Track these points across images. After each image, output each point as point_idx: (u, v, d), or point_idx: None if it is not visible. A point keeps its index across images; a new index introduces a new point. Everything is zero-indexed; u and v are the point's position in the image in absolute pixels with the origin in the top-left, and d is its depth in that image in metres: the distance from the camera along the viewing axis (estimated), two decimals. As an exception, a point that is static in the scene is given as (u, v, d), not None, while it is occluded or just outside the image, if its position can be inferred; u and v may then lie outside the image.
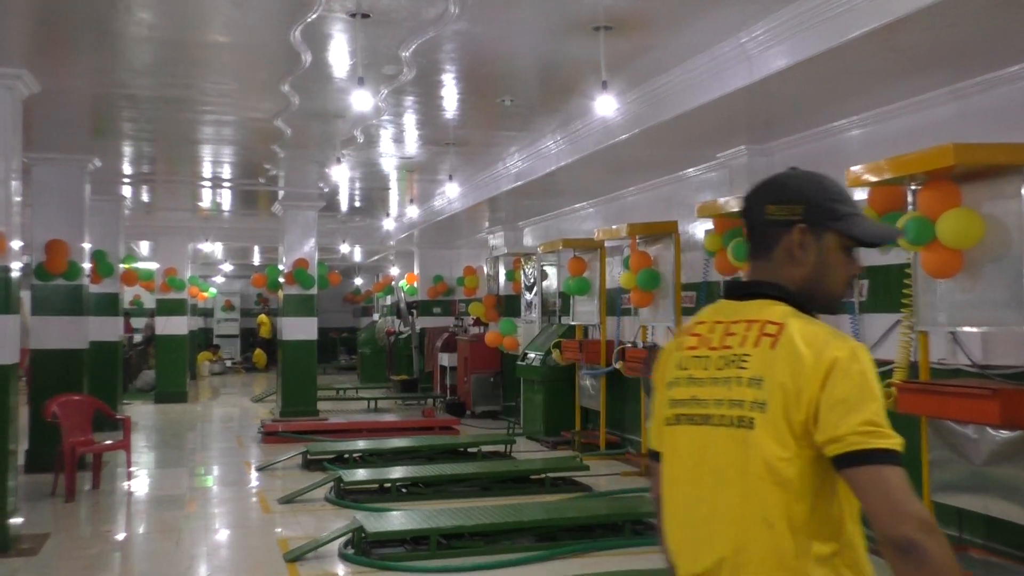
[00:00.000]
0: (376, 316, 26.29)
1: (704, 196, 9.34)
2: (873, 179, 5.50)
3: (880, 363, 6.43)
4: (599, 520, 6.82)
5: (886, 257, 6.53)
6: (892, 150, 6.16)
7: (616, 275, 10.97)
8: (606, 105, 6.11)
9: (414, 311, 18.75)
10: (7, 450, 6.67)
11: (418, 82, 7.29)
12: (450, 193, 11.14)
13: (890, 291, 6.54)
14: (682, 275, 9.24)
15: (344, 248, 19.82)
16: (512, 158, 10.83)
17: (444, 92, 7.78)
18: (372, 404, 16.37)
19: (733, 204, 7.34)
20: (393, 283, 22.86)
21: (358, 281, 28.93)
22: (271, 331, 25.90)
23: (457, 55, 6.61)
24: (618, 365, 9.96)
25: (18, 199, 6.95)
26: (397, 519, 6.54)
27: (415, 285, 19.42)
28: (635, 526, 6.93)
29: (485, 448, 10.55)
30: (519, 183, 10.83)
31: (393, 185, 13.25)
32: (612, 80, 6.94)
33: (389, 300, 24.52)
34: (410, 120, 8.88)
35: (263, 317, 26.64)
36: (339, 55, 6.58)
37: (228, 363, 26.47)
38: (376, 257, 24.40)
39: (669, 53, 6.57)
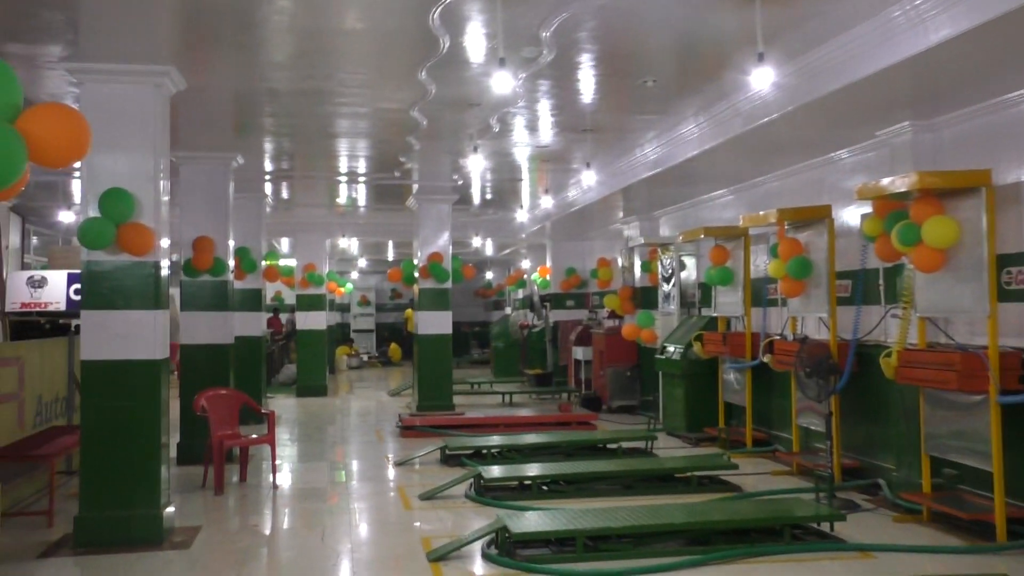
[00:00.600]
0: (508, 310, 26.25)
1: (856, 179, 8.78)
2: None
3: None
4: (755, 523, 6.38)
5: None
6: None
7: (761, 264, 10.50)
8: (763, 78, 5.69)
9: (547, 304, 18.54)
10: (159, 443, 6.78)
11: (556, 65, 7.04)
12: (586, 181, 10.84)
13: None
14: (835, 263, 8.66)
15: (476, 241, 19.80)
16: (649, 145, 10.49)
17: (582, 75, 7.50)
18: (506, 398, 16.26)
19: (898, 184, 6.75)
20: (525, 276, 22.73)
21: (489, 275, 28.99)
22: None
23: (598, 33, 6.32)
24: (766, 359, 9.46)
25: (166, 197, 7.09)
26: (541, 519, 6.29)
27: (548, 278, 19.24)
28: (794, 530, 6.47)
29: (625, 444, 10.23)
30: (656, 171, 10.48)
31: (525, 176, 13.05)
32: (766, 52, 6.51)
33: (521, 294, 24.46)
34: (545, 106, 8.67)
35: (410, 311, 26.93)
36: (477, 38, 6.38)
37: (364, 357, 26.96)
38: (507, 251, 24.34)
39: (828, 21, 6.09)
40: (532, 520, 6.26)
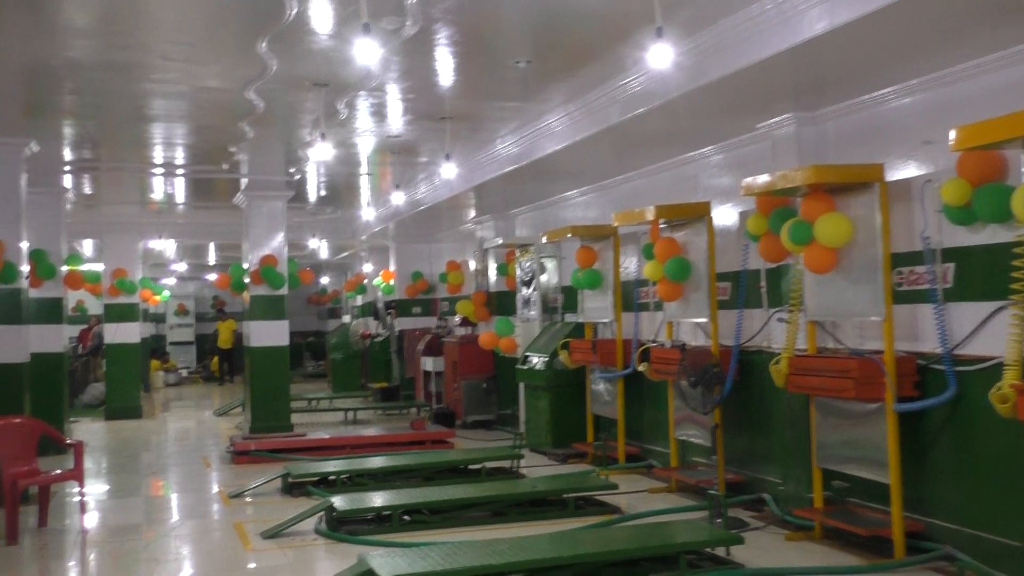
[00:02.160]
0: (347, 318, 25.51)
1: (731, 176, 8.80)
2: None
3: (977, 359, 5.97)
4: (650, 552, 6.07)
5: (977, 236, 5.89)
6: (958, 117, 5.62)
7: (630, 267, 10.38)
8: (661, 55, 5.36)
9: (392, 311, 18.00)
10: None
11: (417, 40, 6.54)
12: (445, 175, 10.39)
13: (988, 274, 5.88)
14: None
15: (313, 243, 19.03)
16: (508, 138, 10.22)
17: (445, 53, 7.06)
18: (350, 415, 15.67)
19: (789, 179, 6.63)
20: (366, 281, 22.08)
21: (324, 280, 28.10)
22: (231, 339, 24.69)
23: (467, 1, 5.86)
24: (642, 367, 9.29)
25: None
26: (421, 560, 5.73)
27: (392, 283, 18.72)
28: (687, 555, 6.21)
29: (489, 464, 9.85)
30: (516, 166, 10.21)
31: (373, 170, 12.50)
32: (643, 36, 6.28)
33: (360, 300, 23.82)
34: (397, 90, 8.18)
35: (223, 324, 25.38)
36: (329, 3, 5.81)
37: (184, 372, 25.54)
38: (345, 254, 23.66)
39: (711, 4, 5.91)
40: (402, 562, 5.70)
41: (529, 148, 9.84)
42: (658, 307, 9.65)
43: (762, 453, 8.23)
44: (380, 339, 19.26)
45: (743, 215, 8.21)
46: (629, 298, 10.37)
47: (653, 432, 10.09)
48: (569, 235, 10.72)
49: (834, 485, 7.10)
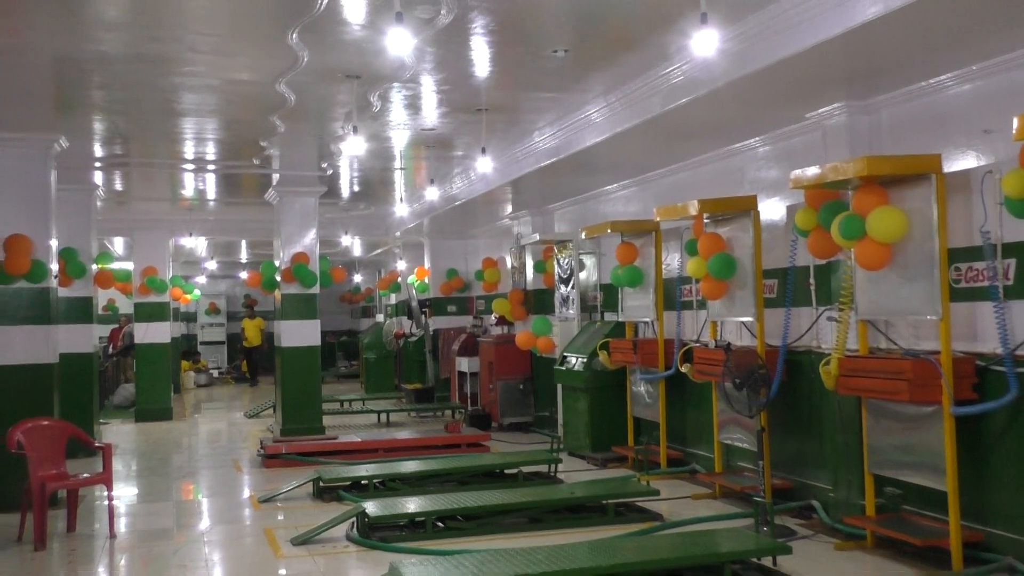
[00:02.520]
0: (380, 317, 25.60)
1: (779, 168, 8.70)
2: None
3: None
4: (696, 562, 5.99)
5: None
6: (1022, 105, 5.48)
7: (673, 264, 10.34)
8: (706, 43, 5.28)
9: (426, 310, 18.01)
10: None
11: (453, 29, 6.51)
12: (481, 169, 10.35)
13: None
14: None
15: (346, 240, 19.09)
16: (546, 130, 10.17)
17: (481, 42, 7.01)
18: (383, 418, 15.73)
19: (841, 171, 6.51)
20: (400, 279, 22.13)
21: (357, 278, 28.21)
22: (259, 337, 24.63)
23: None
24: (684, 368, 9.21)
25: None
26: (455, 568, 5.70)
27: (426, 280, 18.74)
28: (734, 565, 6.12)
29: (525, 469, 9.81)
30: (553, 159, 10.19)
31: (402, 165, 12.50)
32: (686, 23, 6.20)
33: (394, 299, 23.89)
34: (431, 81, 8.15)
35: (249, 321, 25.49)
36: (360, -7, 5.81)
37: (215, 373, 25.75)
38: (378, 251, 23.75)
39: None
40: (436, 570, 5.67)
41: (567, 141, 9.79)
42: (701, 306, 9.57)
43: (811, 458, 8.12)
44: (414, 339, 19.28)
45: (791, 209, 8.13)
46: (671, 296, 10.29)
47: (696, 436, 10.01)
48: (609, 231, 10.65)
49: (887, 492, 6.98)
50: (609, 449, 10.99)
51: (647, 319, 10.58)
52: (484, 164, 9.84)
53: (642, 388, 10.65)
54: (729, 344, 8.65)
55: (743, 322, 8.82)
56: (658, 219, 9.37)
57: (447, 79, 8.04)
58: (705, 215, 8.79)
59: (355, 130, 8.01)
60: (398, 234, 18.69)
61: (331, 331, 29.10)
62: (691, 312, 10.02)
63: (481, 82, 8.19)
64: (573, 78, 8.10)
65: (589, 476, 9.93)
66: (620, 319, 11.16)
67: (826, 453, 7.82)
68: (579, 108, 9.16)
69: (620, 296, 11.08)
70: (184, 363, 24.08)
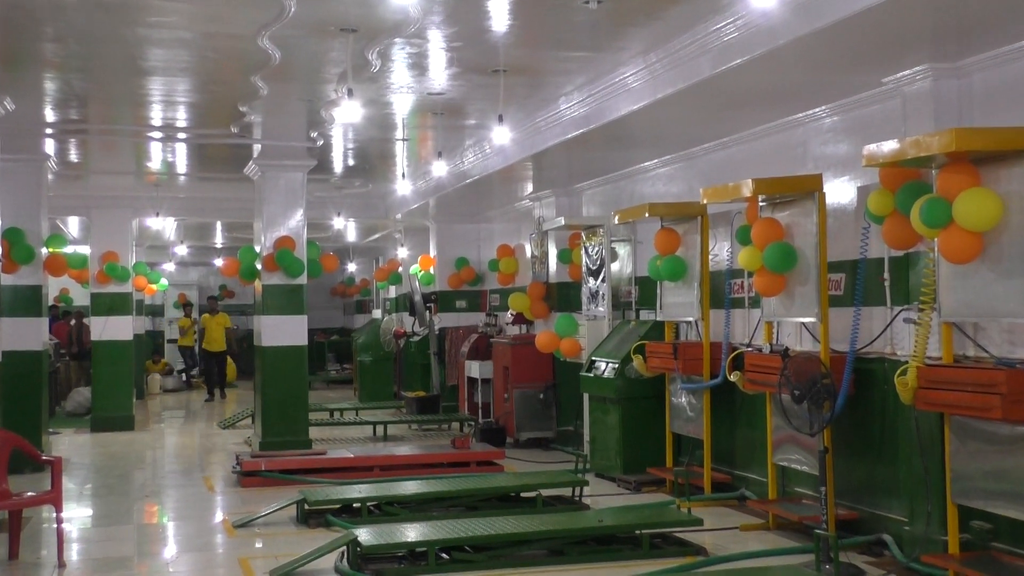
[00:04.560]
0: (377, 313, 25.66)
1: (848, 143, 8.65)
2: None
3: None
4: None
5: None
6: None
7: (721, 254, 10.35)
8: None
9: (431, 306, 18.03)
10: None
11: (466, -25, 6.51)
12: (498, 140, 10.33)
13: None
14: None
15: (338, 223, 19.13)
16: (574, 96, 10.19)
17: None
18: (379, 430, 15.79)
19: (925, 145, 6.44)
20: (402, 269, 22.19)
21: (351, 267, 28.27)
22: (223, 339, 23.20)
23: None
24: (734, 377, 9.18)
25: None
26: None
27: (431, 271, 18.79)
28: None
29: (546, 492, 9.83)
30: (582, 130, 10.21)
31: (410, 135, 12.52)
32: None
33: (394, 292, 23.97)
34: (440, 37, 8.16)
35: (208, 318, 23.66)
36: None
37: (184, 377, 25.83)
38: (375, 236, 23.86)
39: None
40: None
41: (599, 109, 9.78)
42: (755, 303, 9.53)
43: (883, 485, 8.07)
44: (417, 339, 19.30)
45: (863, 191, 8.09)
46: (719, 292, 10.28)
47: (747, 456, 9.99)
48: (647, 215, 10.62)
49: (974, 526, 6.94)
50: (644, 470, 10.98)
51: (690, 319, 10.55)
52: (501, 135, 9.81)
53: (684, 400, 10.63)
54: (787, 349, 8.60)
55: (804, 323, 8.77)
56: (705, 201, 9.32)
57: (459, 34, 8.04)
58: (760, 197, 8.74)
59: (350, 93, 8.01)
60: (399, 216, 18.73)
61: (320, 329, 29.21)
62: (742, 311, 9.98)
63: (498, 38, 8.20)
64: (607, 34, 8.08)
65: (620, 502, 9.93)
66: (658, 318, 11.13)
67: (901, 479, 7.77)
68: (613, 70, 9.16)
69: (659, 291, 11.04)
70: (149, 363, 24.15)
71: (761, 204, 8.89)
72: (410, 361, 19.71)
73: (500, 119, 9.40)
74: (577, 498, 9.90)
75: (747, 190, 8.49)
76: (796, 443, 8.59)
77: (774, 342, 9.09)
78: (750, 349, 9.42)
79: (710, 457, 10.15)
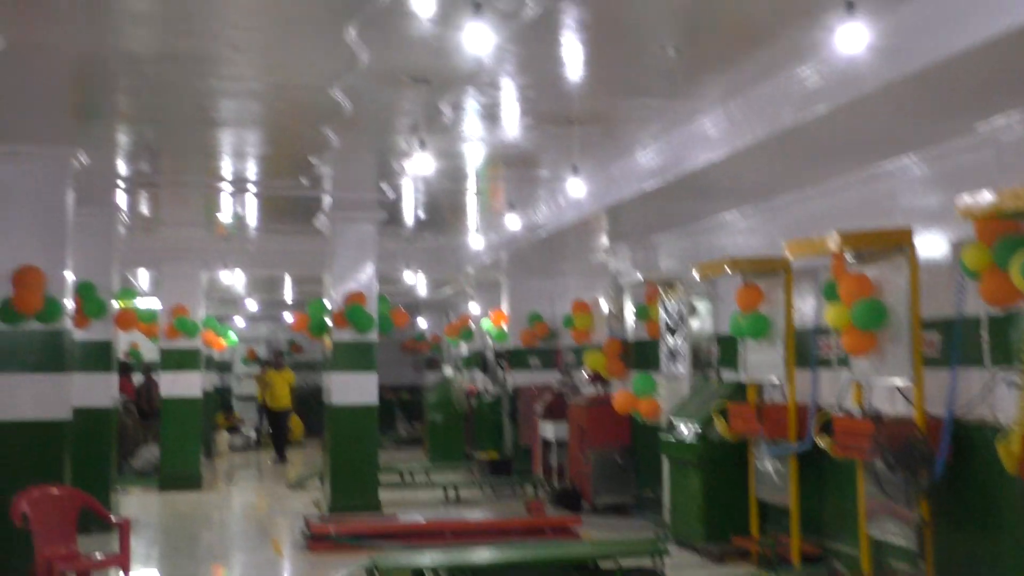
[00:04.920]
0: (448, 370, 25.69)
1: (939, 194, 8.45)
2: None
3: None
4: None
5: None
6: None
7: (807, 311, 10.15)
8: (852, 37, 5.16)
9: (504, 363, 17.98)
10: None
11: (541, 24, 6.57)
12: (573, 192, 10.31)
13: None
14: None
15: (409, 277, 19.22)
16: (649, 146, 10.18)
17: (575, 39, 7.06)
18: (450, 493, 15.64)
19: (1014, 199, 6.27)
20: (472, 324, 22.20)
21: (421, 323, 28.35)
22: (288, 396, 23.07)
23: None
24: (823, 442, 8.95)
25: None
26: None
27: (504, 327, 18.75)
28: None
29: (625, 562, 9.64)
30: (658, 181, 10.17)
31: (482, 187, 12.60)
32: (827, 14, 6.09)
33: (464, 348, 23.99)
34: (513, 86, 8.23)
35: (273, 374, 23.53)
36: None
37: (253, 435, 25.96)
38: (446, 290, 23.87)
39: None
40: None
41: (676, 158, 9.75)
42: (843, 363, 9.34)
43: (987, 560, 7.79)
44: (489, 398, 19.23)
45: (957, 245, 7.87)
46: (805, 351, 10.05)
47: (837, 526, 9.73)
48: (727, 270, 10.48)
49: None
50: (727, 539, 10.73)
51: (775, 379, 10.34)
52: (575, 186, 9.80)
53: (769, 465, 10.40)
54: (879, 413, 8.39)
55: (896, 385, 8.55)
56: (789, 256, 9.18)
57: (532, 84, 8.11)
58: (847, 251, 8.58)
59: (422, 144, 8.08)
60: (471, 270, 18.76)
61: (390, 386, 29.17)
62: (830, 371, 9.77)
63: (573, 88, 8.23)
64: (685, 82, 8.09)
65: (704, 574, 9.72)
66: (741, 378, 10.95)
67: (1006, 554, 7.51)
68: (690, 119, 9.14)
69: (741, 350, 10.88)
70: (219, 418, 24.21)
71: (848, 259, 8.74)
72: (482, 420, 19.66)
73: (575, 170, 9.41)
74: (658, 570, 9.67)
75: (834, 244, 8.34)
76: (891, 513, 8.32)
77: (865, 405, 8.87)
78: (840, 412, 9.20)
79: (798, 527, 9.85)
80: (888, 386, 8.73)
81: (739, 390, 11.05)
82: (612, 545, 10.28)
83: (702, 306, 12.62)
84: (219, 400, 26.60)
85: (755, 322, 10.31)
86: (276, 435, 22.89)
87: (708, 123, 8.95)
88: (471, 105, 8.70)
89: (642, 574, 9.59)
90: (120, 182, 12.07)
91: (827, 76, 7.20)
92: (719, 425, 10.66)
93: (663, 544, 9.96)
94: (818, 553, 9.87)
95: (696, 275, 11.32)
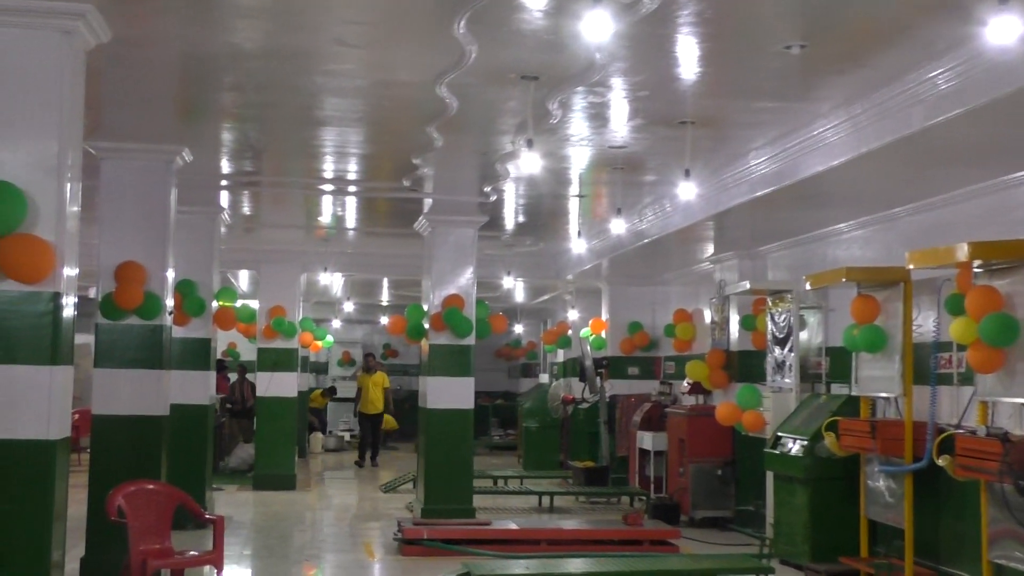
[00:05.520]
0: (544, 377, 25.51)
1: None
2: None
3: None
4: None
5: None
6: None
7: (926, 324, 9.76)
8: (1003, 30, 4.81)
9: (603, 371, 17.73)
10: (49, 562, 6.06)
11: (657, 18, 6.31)
12: (683, 195, 10.00)
13: None
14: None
15: (507, 283, 19.09)
16: (764, 151, 9.82)
17: (693, 35, 6.79)
18: (544, 501, 15.47)
19: None
20: (571, 332, 21.99)
21: (517, 329, 28.22)
22: (381, 400, 22.36)
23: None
24: (943, 461, 8.54)
25: (77, 203, 6.53)
26: None
27: (603, 335, 18.53)
28: None
29: (727, 579, 9.36)
30: (771, 188, 9.82)
31: (586, 191, 12.38)
32: (971, 6, 5.74)
33: (561, 355, 23.79)
34: (624, 85, 7.94)
35: (365, 377, 22.79)
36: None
37: (346, 436, 26.03)
38: (544, 297, 23.74)
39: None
40: None
41: (792, 165, 9.39)
42: (965, 380, 8.98)
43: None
44: (586, 406, 18.99)
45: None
46: (923, 366, 9.66)
47: (955, 550, 9.30)
48: (843, 280, 10.11)
49: None
50: (835, 559, 10.31)
51: (890, 394, 9.95)
52: (687, 190, 9.50)
53: (881, 483, 10.01)
54: (1007, 433, 7.96)
55: (1024, 404, 8.13)
56: (911, 266, 8.79)
57: (645, 83, 7.83)
58: (976, 263, 8.17)
59: (530, 144, 7.86)
60: (570, 277, 18.54)
61: (484, 392, 29.11)
62: (951, 388, 9.38)
63: (687, 88, 7.97)
64: (806, 82, 7.76)
65: (810, 594, 9.38)
66: (853, 393, 10.59)
67: None
68: (810, 123, 8.78)
69: (853, 363, 10.50)
70: (316, 393, 24.40)
71: (976, 270, 8.33)
72: (577, 429, 19.38)
73: (687, 174, 9.12)
74: (762, 587, 9.43)
75: (962, 255, 7.95)
76: (1017, 539, 7.89)
77: (990, 424, 8.45)
78: (961, 431, 8.78)
79: (912, 549, 9.47)
80: (1016, 405, 8.31)
81: (849, 405, 10.69)
82: (713, 560, 10.05)
83: (812, 318, 12.25)
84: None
85: (871, 335, 9.91)
86: (364, 439, 22.38)
87: (828, 128, 8.58)
88: (579, 105, 8.46)
89: (747, 593, 9.32)
90: (223, 181, 12.10)
91: (964, 76, 6.80)
92: (829, 441, 10.29)
93: (768, 561, 9.64)
94: (932, 577, 9.49)
95: (808, 285, 11.00)
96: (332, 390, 26.69)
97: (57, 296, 6.15)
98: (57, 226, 6.13)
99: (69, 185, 6.28)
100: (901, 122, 7.64)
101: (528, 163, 8.30)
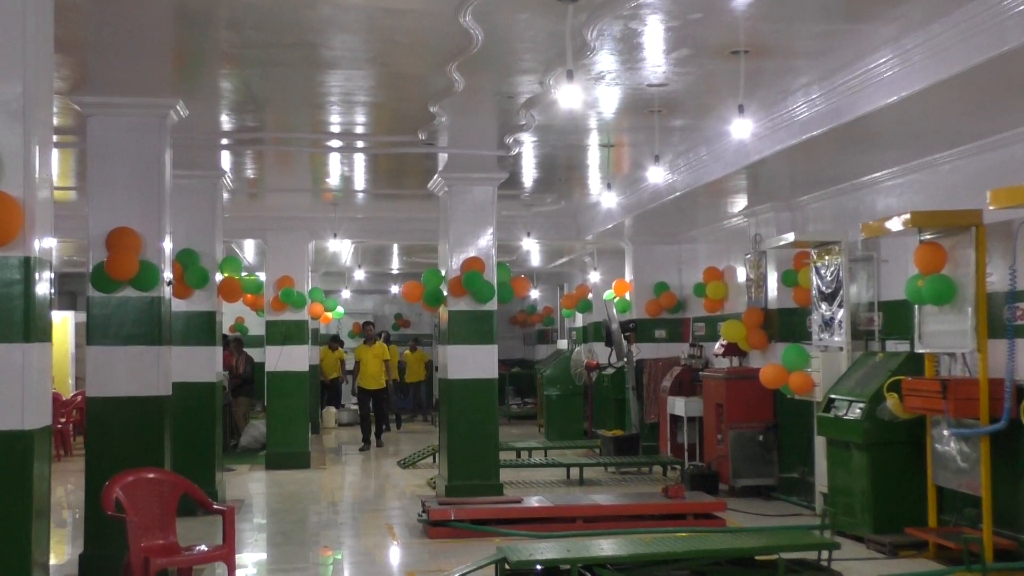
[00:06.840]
0: (562, 343, 24.86)
1: None
2: None
3: None
4: None
5: None
6: None
7: (998, 274, 9.02)
8: None
9: (629, 335, 16.99)
10: (29, 561, 5.55)
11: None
12: (738, 134, 9.05)
13: None
14: None
15: (527, 244, 18.34)
16: (813, 88, 9.03)
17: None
18: (573, 473, 14.75)
19: None
20: (592, 295, 21.28)
21: (534, 294, 27.54)
22: (380, 372, 19.94)
23: None
24: (1028, 420, 7.79)
25: (53, 159, 6.22)
26: None
27: (627, 297, 17.85)
28: None
29: (787, 556, 8.53)
30: (823, 129, 9.03)
31: (610, 139, 11.60)
32: None
33: (580, 320, 23.12)
34: (671, 9, 7.11)
35: (360, 349, 20.45)
36: None
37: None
38: (561, 260, 23.03)
39: None
40: None
41: (849, 101, 8.59)
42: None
43: None
44: (611, 371, 18.29)
45: None
46: (996, 319, 8.96)
47: (1040, 518, 8.57)
48: (906, 225, 9.29)
49: None
50: (899, 530, 9.68)
51: (960, 350, 9.20)
52: (741, 128, 8.60)
53: (952, 447, 9.33)
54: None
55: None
56: (992, 206, 7.98)
57: (697, 2, 6.94)
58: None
59: (570, 75, 6.95)
60: (590, 237, 17.78)
61: (500, 360, 28.46)
62: (1027, 341, 8.64)
63: (744, 7, 7.10)
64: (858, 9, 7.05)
65: (879, 570, 8.73)
66: (916, 350, 9.86)
67: None
68: (871, 52, 7.99)
69: (916, 317, 9.76)
70: (329, 353, 23.82)
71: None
72: (602, 396, 18.78)
73: (741, 109, 8.23)
74: (825, 563, 8.58)
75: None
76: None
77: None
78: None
79: (990, 518, 8.74)
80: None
81: (910, 363, 9.98)
82: (770, 535, 9.34)
83: (862, 271, 11.47)
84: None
85: (938, 285, 9.20)
86: (365, 418, 20.02)
87: (891, 59, 7.82)
88: (616, 34, 7.57)
89: (807, 567, 8.48)
90: (223, 140, 11.35)
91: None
92: (892, 402, 9.53)
93: (832, 538, 8.86)
94: (1014, 548, 8.76)
95: (862, 235, 10.20)
96: (336, 338, 25.19)
97: (27, 263, 5.46)
98: (26, 181, 5.45)
99: (38, 134, 5.58)
100: (980, 44, 6.84)
101: (567, 97, 7.45)
